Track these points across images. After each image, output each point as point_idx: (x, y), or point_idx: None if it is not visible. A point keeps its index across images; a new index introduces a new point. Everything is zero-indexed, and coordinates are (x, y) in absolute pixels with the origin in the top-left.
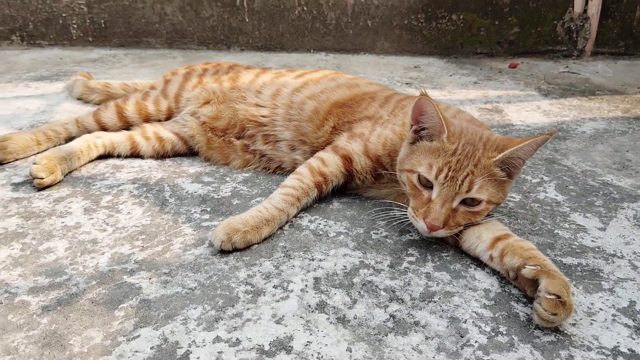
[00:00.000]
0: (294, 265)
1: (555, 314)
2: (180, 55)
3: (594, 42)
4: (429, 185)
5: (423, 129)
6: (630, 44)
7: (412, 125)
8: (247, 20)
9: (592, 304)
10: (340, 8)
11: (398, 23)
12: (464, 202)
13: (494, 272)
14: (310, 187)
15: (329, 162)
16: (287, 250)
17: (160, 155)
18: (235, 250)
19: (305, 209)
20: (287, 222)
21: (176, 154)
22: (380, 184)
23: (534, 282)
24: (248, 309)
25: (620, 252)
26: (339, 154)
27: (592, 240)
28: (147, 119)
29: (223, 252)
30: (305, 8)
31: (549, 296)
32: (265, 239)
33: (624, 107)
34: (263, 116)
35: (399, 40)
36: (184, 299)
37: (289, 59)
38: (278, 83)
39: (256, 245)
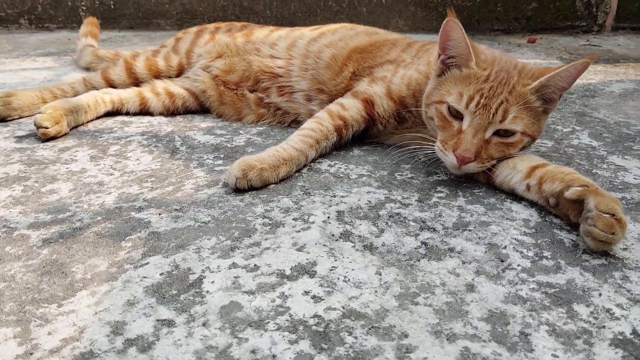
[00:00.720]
0: (314, 201)
1: (613, 233)
2: None
3: (615, 16)
4: (459, 117)
5: (451, 57)
6: None
7: (439, 56)
8: None
9: (639, 234)
10: None
11: (413, 0)
12: (497, 133)
13: (533, 204)
14: (330, 131)
15: (349, 106)
16: (307, 189)
17: (171, 112)
18: (252, 189)
19: (324, 154)
20: (305, 166)
21: (187, 111)
22: (404, 128)
23: (579, 205)
24: (266, 239)
25: None
26: (360, 97)
27: (635, 178)
28: (157, 76)
29: (238, 191)
30: None
31: (604, 215)
32: (282, 179)
33: None
34: (279, 67)
35: (413, 18)
36: (196, 231)
37: None
38: (294, 36)
39: (273, 185)
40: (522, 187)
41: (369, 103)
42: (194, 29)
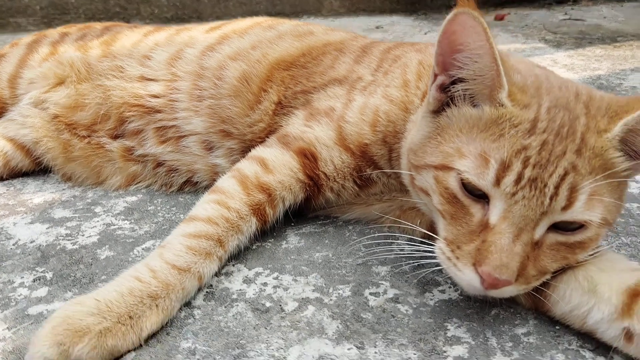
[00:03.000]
0: None
1: None
2: None
3: None
4: (482, 197)
5: (460, 80)
6: None
7: (434, 77)
8: None
9: None
10: None
11: None
12: (555, 225)
13: None
14: (244, 217)
15: (274, 165)
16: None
17: None
18: None
19: (237, 255)
20: (200, 289)
21: (15, 174)
22: (370, 195)
23: None
24: None
25: None
26: (293, 147)
27: None
28: None
29: None
30: None
31: None
32: (151, 335)
33: None
34: (154, 96)
35: None
36: None
37: None
38: (178, 42)
39: (132, 355)
40: (614, 333)
41: (308, 157)
42: (26, 39)
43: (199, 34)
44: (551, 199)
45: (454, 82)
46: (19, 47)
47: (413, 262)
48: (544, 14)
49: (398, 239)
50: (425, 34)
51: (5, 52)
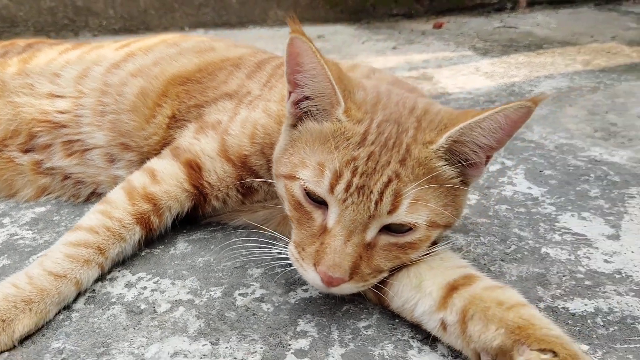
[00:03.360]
0: None
1: None
2: None
3: None
4: (322, 202)
5: (307, 97)
6: None
7: (289, 94)
8: None
9: None
10: None
11: None
12: (387, 227)
13: (456, 351)
14: (127, 225)
15: (163, 176)
16: (64, 359)
17: None
18: None
19: (124, 261)
20: (80, 294)
21: None
22: (255, 202)
23: None
24: None
25: None
26: (181, 159)
27: (606, 260)
28: None
29: None
30: None
31: None
32: (26, 337)
33: (582, 59)
34: (60, 112)
35: (295, 7)
36: None
37: None
38: (88, 59)
39: (5, 355)
40: (434, 324)
41: (194, 168)
42: None
43: (109, 51)
44: (376, 204)
45: (302, 99)
46: None
47: (284, 264)
48: (482, 21)
49: (279, 242)
50: (363, 43)
51: None
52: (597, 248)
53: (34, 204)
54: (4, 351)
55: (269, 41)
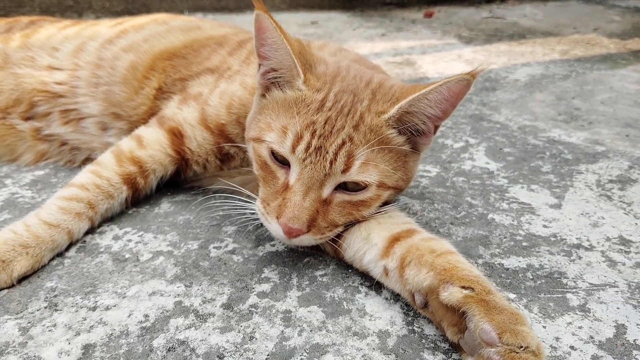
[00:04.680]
0: (55, 324)
1: None
2: None
3: None
4: (286, 164)
5: (272, 69)
6: None
7: (259, 66)
8: None
9: (557, 338)
10: None
11: None
12: (342, 186)
13: (396, 294)
14: (115, 185)
15: (149, 141)
16: (57, 295)
17: None
18: None
19: (112, 218)
20: (73, 244)
21: None
22: (232, 168)
23: (460, 317)
24: None
25: (588, 240)
26: (165, 127)
27: (545, 225)
28: None
29: None
30: None
31: (499, 346)
32: (23, 277)
33: (561, 49)
34: (58, 83)
35: None
36: None
37: None
38: (84, 35)
39: (5, 292)
40: (379, 271)
41: (176, 135)
42: None
43: (103, 28)
44: (331, 163)
45: (269, 71)
46: None
47: (256, 223)
48: (471, 12)
49: (253, 203)
50: (354, 29)
51: None
52: (539, 215)
53: (34, 167)
54: (4, 288)
55: None
